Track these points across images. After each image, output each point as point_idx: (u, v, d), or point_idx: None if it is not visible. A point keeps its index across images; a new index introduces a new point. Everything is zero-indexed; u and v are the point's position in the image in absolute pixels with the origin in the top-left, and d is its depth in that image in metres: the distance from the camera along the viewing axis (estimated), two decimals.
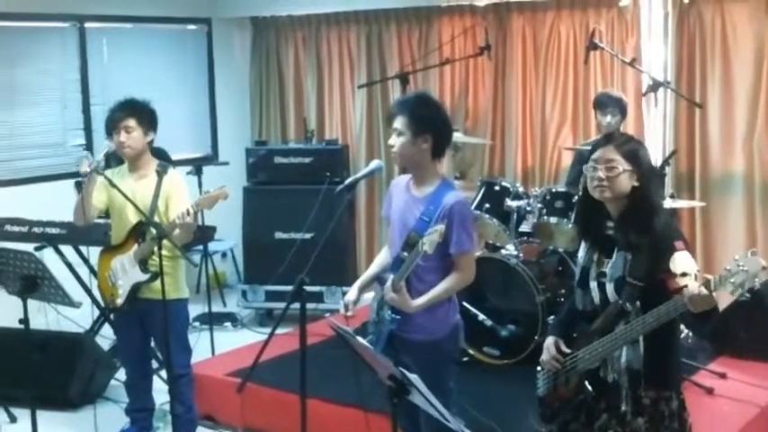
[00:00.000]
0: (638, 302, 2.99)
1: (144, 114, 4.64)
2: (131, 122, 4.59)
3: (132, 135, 4.59)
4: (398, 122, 3.65)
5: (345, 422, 4.62)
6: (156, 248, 4.33)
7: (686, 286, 2.68)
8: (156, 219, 4.51)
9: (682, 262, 2.76)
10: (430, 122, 3.66)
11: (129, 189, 4.51)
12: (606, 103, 5.80)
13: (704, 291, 2.64)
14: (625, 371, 3.05)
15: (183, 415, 4.76)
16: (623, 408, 3.07)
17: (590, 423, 3.17)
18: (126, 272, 4.63)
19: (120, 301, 4.68)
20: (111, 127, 4.63)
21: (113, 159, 5.80)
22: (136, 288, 4.62)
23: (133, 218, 4.60)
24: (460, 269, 3.68)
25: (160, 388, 5.09)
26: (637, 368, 3.05)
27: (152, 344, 4.98)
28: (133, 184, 4.62)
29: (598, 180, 3.07)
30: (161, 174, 4.59)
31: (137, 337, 4.83)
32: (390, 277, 3.68)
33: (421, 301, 3.63)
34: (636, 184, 3.04)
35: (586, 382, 3.15)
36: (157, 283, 4.39)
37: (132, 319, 4.76)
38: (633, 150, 3.06)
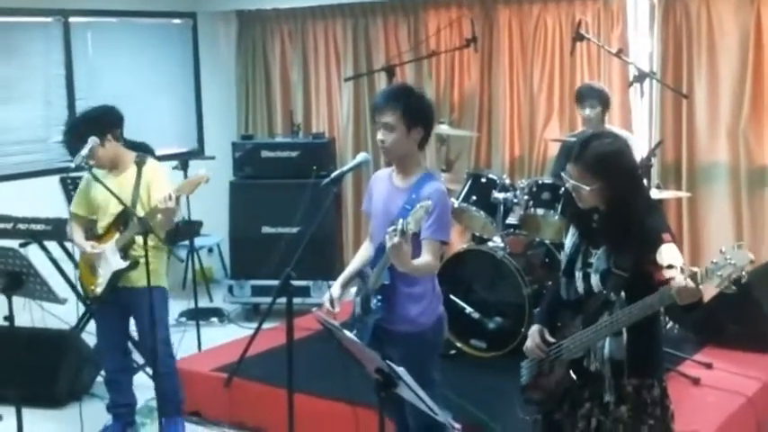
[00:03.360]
0: (622, 293, 2.99)
1: (93, 126, 4.58)
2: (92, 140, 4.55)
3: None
4: (389, 117, 3.60)
5: (333, 416, 4.60)
6: (137, 237, 4.42)
7: (673, 278, 2.68)
8: (140, 209, 4.55)
9: (668, 254, 2.77)
10: (422, 114, 3.66)
11: (111, 186, 4.50)
12: (586, 95, 5.79)
13: (691, 283, 2.64)
14: (608, 361, 3.07)
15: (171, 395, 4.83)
16: (606, 398, 3.08)
17: (573, 412, 3.18)
18: (107, 260, 4.64)
19: (99, 290, 4.70)
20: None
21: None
22: (116, 277, 4.62)
23: (116, 212, 4.63)
24: (429, 255, 3.57)
25: (145, 384, 5.10)
26: (619, 358, 3.06)
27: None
28: (113, 180, 4.62)
29: (573, 191, 3.10)
30: (140, 164, 4.67)
31: (115, 329, 4.86)
32: (370, 271, 3.69)
33: (415, 262, 3.47)
34: (606, 195, 3.03)
35: (571, 372, 3.16)
36: (135, 272, 4.48)
37: (112, 312, 4.79)
38: (600, 168, 3.02)
